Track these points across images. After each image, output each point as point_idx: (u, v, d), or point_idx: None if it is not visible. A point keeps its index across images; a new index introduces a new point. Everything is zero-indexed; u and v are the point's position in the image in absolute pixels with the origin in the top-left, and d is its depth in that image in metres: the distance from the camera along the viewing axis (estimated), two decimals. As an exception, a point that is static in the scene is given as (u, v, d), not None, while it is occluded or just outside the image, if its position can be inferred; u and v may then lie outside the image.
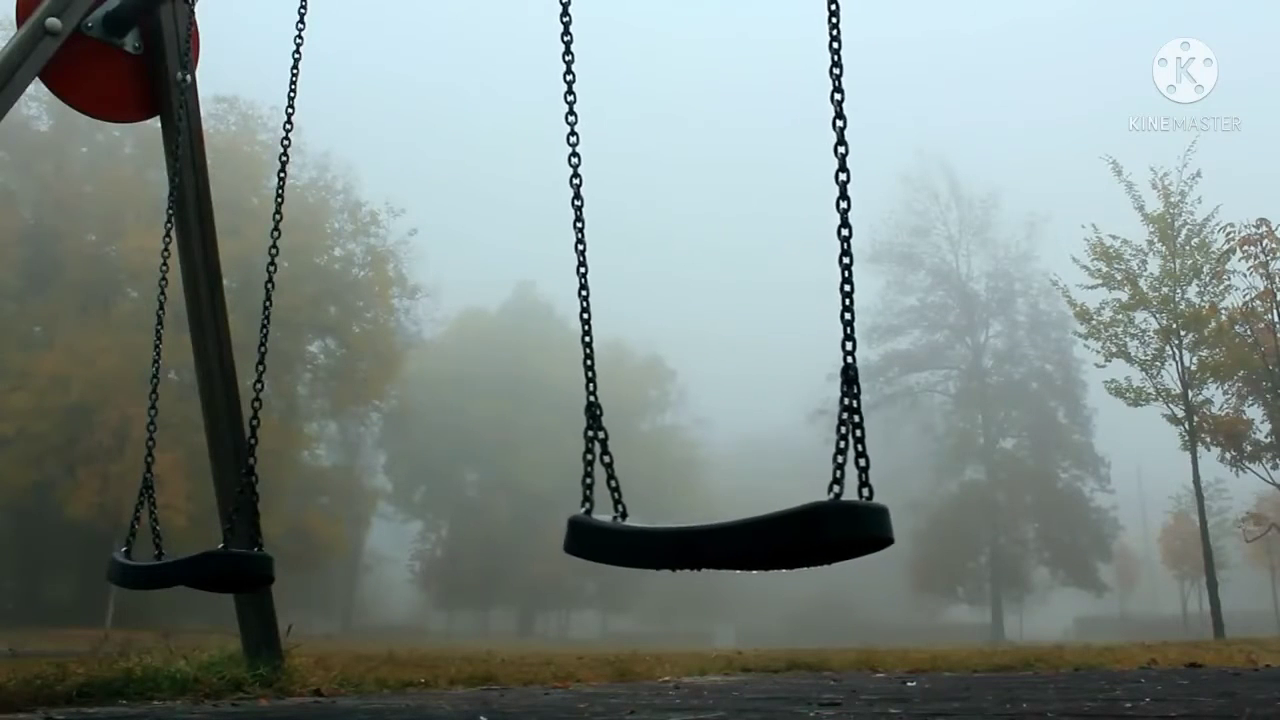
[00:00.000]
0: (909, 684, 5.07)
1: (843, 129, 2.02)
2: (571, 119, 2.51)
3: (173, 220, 4.22)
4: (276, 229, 3.71)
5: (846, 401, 1.92)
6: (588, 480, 2.25)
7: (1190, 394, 21.46)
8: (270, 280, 3.65)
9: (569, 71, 2.53)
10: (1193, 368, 21.68)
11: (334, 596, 46.86)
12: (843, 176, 1.99)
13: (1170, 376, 21.77)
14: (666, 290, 70.74)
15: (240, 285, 23.93)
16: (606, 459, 2.27)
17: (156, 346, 4.00)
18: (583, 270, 2.48)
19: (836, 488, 1.83)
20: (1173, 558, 52.90)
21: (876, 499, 1.85)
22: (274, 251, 3.67)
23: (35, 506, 30.45)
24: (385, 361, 39.15)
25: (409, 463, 53.14)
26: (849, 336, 1.94)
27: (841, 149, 2.01)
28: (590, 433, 2.28)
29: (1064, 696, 3.80)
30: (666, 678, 5.98)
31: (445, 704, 3.82)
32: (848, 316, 1.95)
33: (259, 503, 3.59)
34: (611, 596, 53.81)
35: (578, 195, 2.49)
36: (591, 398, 2.34)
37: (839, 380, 1.99)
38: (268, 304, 3.68)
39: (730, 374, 65.83)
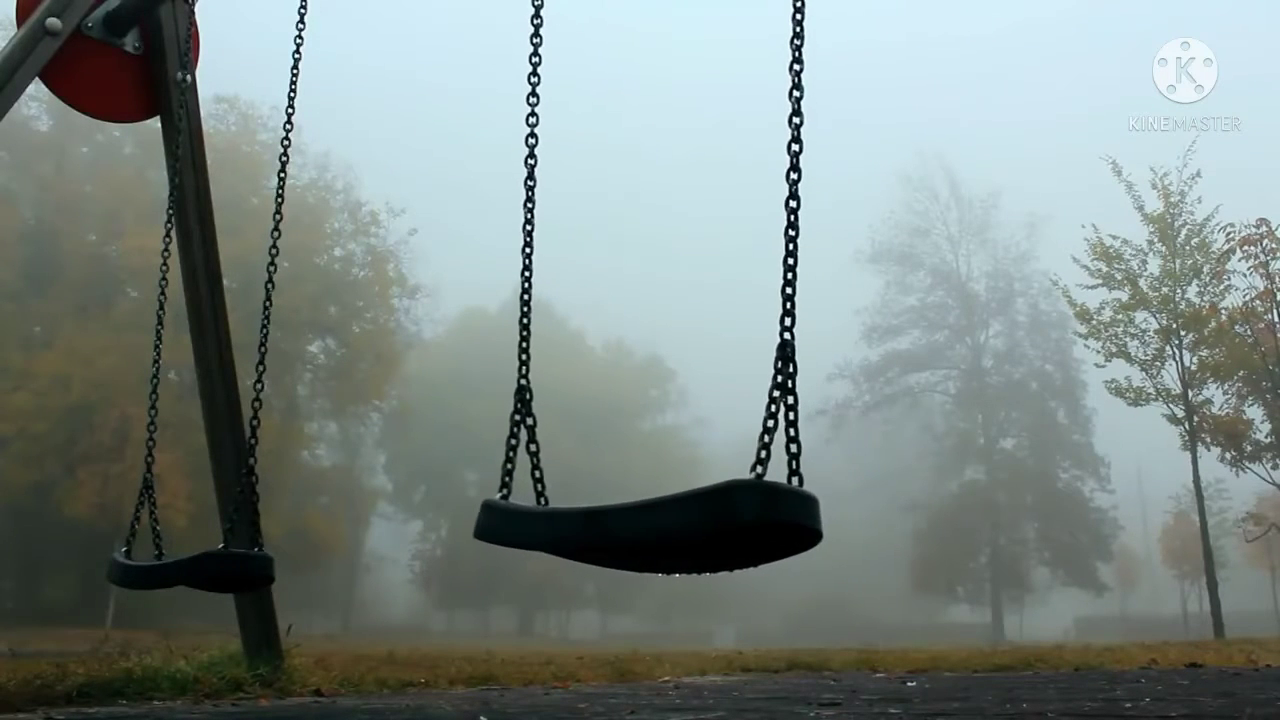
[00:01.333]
0: (909, 684, 5.07)
1: (799, 125, 1.98)
2: (533, 100, 2.50)
3: (173, 220, 4.23)
4: (276, 229, 3.71)
5: (779, 379, 1.79)
6: (508, 465, 2.18)
7: (1190, 394, 21.45)
8: (270, 280, 3.66)
9: (535, 53, 2.52)
10: (1193, 368, 21.67)
11: (334, 596, 46.84)
12: (794, 176, 1.95)
13: (1170, 376, 21.78)
14: (667, 290, 70.78)
15: (240, 285, 23.89)
16: (533, 447, 2.22)
17: (156, 346, 4.01)
18: (528, 251, 2.47)
19: (759, 468, 1.72)
20: (1173, 558, 52.88)
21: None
22: (274, 251, 3.68)
23: (35, 506, 30.44)
24: (385, 361, 39.15)
25: (409, 463, 53.13)
26: (788, 312, 1.85)
27: (796, 146, 1.97)
28: (517, 417, 2.23)
29: (1064, 696, 3.80)
30: (666, 678, 5.98)
31: (445, 704, 3.82)
32: (789, 291, 1.86)
33: (259, 503, 3.60)
34: (611, 596, 53.81)
35: (531, 175, 2.47)
36: (523, 380, 2.28)
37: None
38: (268, 304, 3.69)
39: (730, 374, 65.79)
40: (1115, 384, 22.42)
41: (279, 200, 3.79)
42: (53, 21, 3.95)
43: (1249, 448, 21.76)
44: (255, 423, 3.57)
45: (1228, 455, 21.85)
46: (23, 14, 4.05)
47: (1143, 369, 21.91)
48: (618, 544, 1.87)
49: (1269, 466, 21.93)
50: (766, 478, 1.71)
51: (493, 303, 58.41)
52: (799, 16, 2.05)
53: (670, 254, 76.66)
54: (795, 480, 1.73)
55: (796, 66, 2.01)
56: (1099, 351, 22.44)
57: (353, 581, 49.40)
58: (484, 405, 51.56)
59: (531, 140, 2.48)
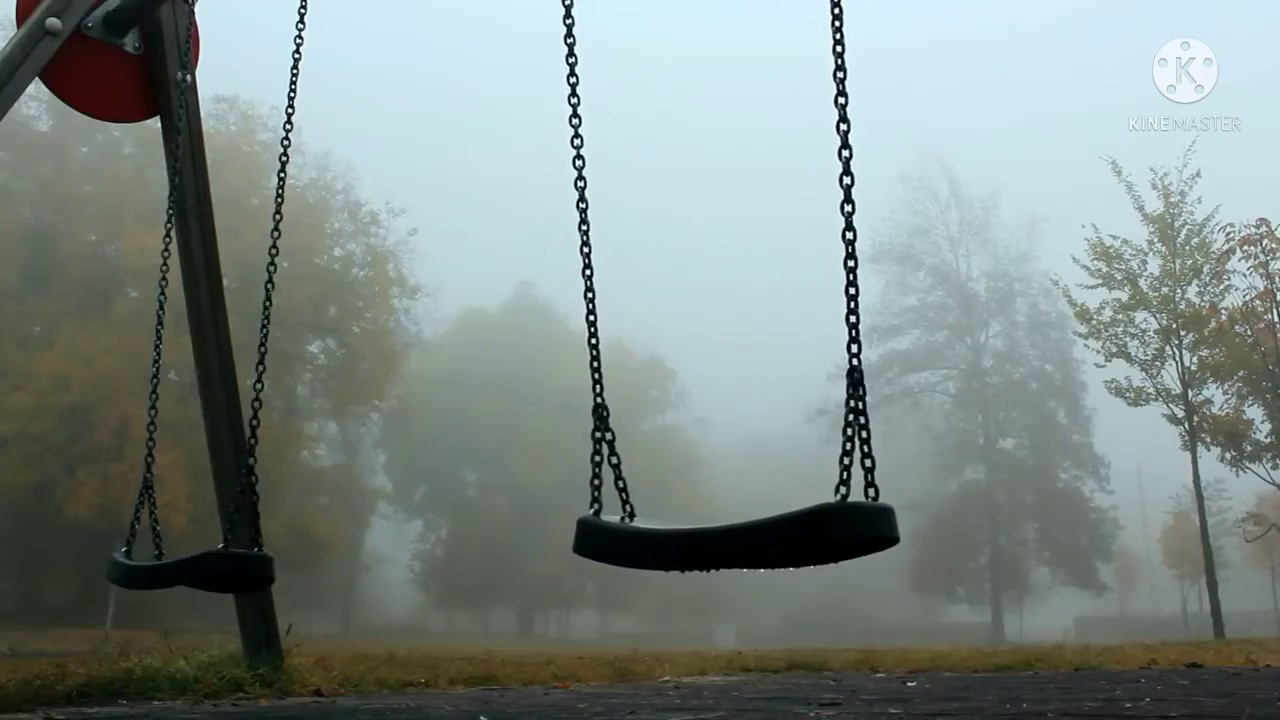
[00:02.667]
0: (909, 684, 5.07)
1: (846, 132, 2.02)
2: (575, 121, 2.51)
3: (173, 220, 4.22)
4: (276, 229, 3.71)
5: (853, 404, 1.92)
6: (596, 481, 2.25)
7: (1190, 394, 21.45)
8: (270, 280, 3.66)
9: (572, 74, 2.52)
10: (1193, 368, 21.67)
11: (334, 596, 46.82)
12: (847, 180, 2.00)
13: (1170, 376, 21.78)
14: (667, 291, 70.76)
15: (240, 285, 23.89)
16: (614, 460, 2.27)
17: (156, 346, 4.01)
18: (588, 272, 2.48)
19: (843, 489, 1.85)
20: (1173, 558, 52.87)
21: (879, 499, 1.86)
22: (274, 251, 3.68)
23: (35, 506, 30.44)
24: (385, 361, 39.15)
25: (409, 463, 53.11)
26: (854, 339, 1.96)
27: (846, 153, 2.01)
28: (598, 434, 2.29)
29: (1064, 696, 3.80)
30: (666, 678, 5.98)
31: (445, 704, 3.82)
32: (853, 319, 1.97)
33: (259, 503, 3.60)
34: (611, 596, 53.80)
35: (582, 198, 2.49)
36: (599, 399, 2.34)
37: (841, 381, 1.99)
38: (268, 304, 3.68)
39: (730, 374, 65.87)
40: (1115, 384, 22.43)
41: (279, 200, 3.79)
42: (53, 21, 3.95)
43: (1249, 448, 21.75)
44: (255, 423, 3.57)
45: (1228, 455, 21.85)
46: (23, 14, 4.05)
47: (1143, 369, 21.92)
48: (715, 564, 2.00)
49: (1269, 466, 21.94)
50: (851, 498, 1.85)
51: (493, 303, 58.51)
52: (838, 24, 2.07)
53: (670, 254, 76.73)
54: (872, 492, 1.87)
55: (840, 74, 2.06)
56: (1099, 351, 22.46)
57: (353, 581, 49.38)
58: (484, 405, 51.64)
59: (579, 161, 2.49)
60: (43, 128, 31.82)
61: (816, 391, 44.47)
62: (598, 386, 2.37)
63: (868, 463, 1.89)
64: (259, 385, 3.59)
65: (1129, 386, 22.13)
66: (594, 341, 2.46)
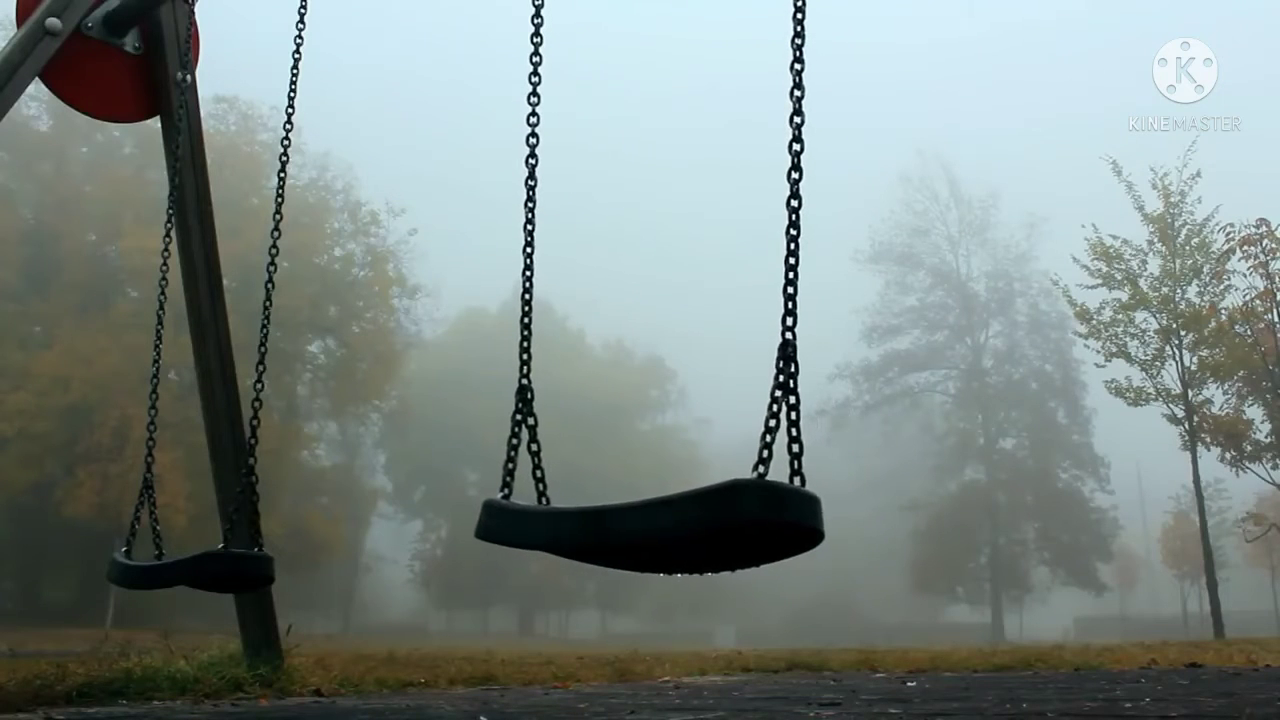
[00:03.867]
0: (909, 684, 5.07)
1: (800, 124, 1.98)
2: (534, 100, 2.49)
3: (173, 220, 4.23)
4: (276, 229, 3.71)
5: (780, 379, 1.79)
6: (510, 465, 2.17)
7: (1190, 394, 21.44)
8: (270, 280, 3.66)
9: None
10: (1193, 368, 21.67)
11: (334, 596, 46.85)
12: (795, 175, 1.95)
13: (1170, 376, 21.77)
14: (667, 291, 70.77)
15: (240, 285, 23.90)
16: (534, 446, 2.22)
17: (156, 346, 4.01)
18: (529, 251, 2.47)
19: (761, 467, 1.72)
20: (1173, 558, 52.88)
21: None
22: (274, 251, 3.68)
23: (35, 506, 30.45)
24: (385, 361, 39.15)
25: (409, 463, 53.12)
26: (790, 312, 1.85)
27: (797, 146, 1.96)
28: (518, 416, 2.23)
29: (1064, 696, 3.80)
30: (666, 678, 5.98)
31: (445, 704, 3.82)
32: (790, 291, 1.86)
33: (259, 503, 3.60)
34: (611, 596, 53.82)
35: (532, 175, 2.47)
36: (524, 380, 2.28)
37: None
38: (268, 304, 3.69)
39: (730, 374, 65.80)
40: (1115, 384, 22.42)
41: (279, 200, 3.79)
42: (53, 21, 3.95)
43: (1249, 448, 21.75)
44: (255, 423, 3.57)
45: (1228, 455, 21.85)
46: (23, 14, 4.05)
47: (1143, 369, 21.91)
48: (618, 543, 1.86)
49: (1269, 466, 21.93)
50: (768, 477, 1.71)
51: (493, 303, 58.45)
52: (799, 16, 2.05)
53: (670, 254, 76.70)
54: (797, 480, 1.73)
55: (798, 65, 2.01)
56: (1099, 351, 22.45)
57: (353, 581, 49.39)
58: (484, 405, 51.54)
59: (532, 140, 2.49)
60: (43, 128, 31.83)
61: (816, 391, 44.53)
62: (525, 368, 2.30)
63: (795, 447, 1.77)
64: (259, 385, 3.59)
65: (1129, 386, 22.13)
66: (526, 321, 2.42)
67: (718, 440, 60.60)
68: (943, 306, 49.87)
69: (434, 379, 48.84)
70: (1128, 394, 22.12)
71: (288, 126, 3.84)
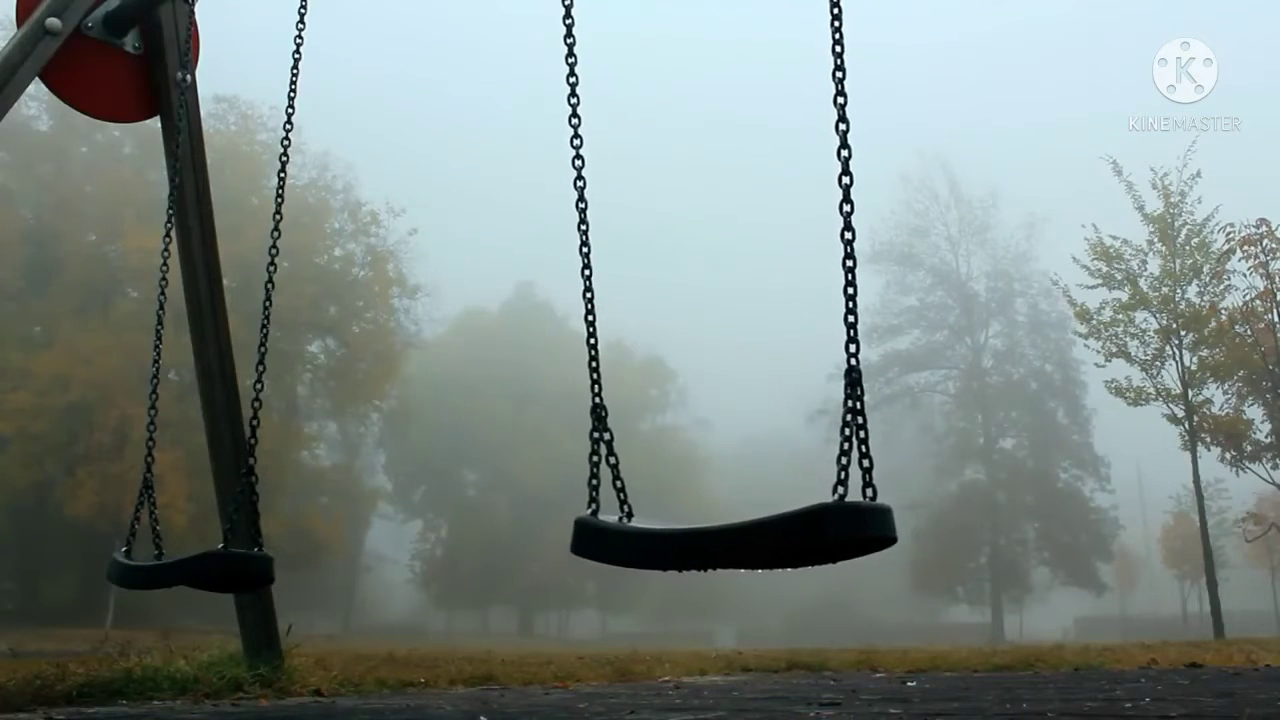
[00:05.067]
0: (909, 684, 5.07)
1: (845, 132, 2.02)
2: (575, 121, 2.51)
3: (173, 220, 4.22)
4: (276, 229, 3.71)
5: (851, 404, 1.93)
6: (593, 481, 2.26)
7: (1190, 394, 21.44)
8: (270, 280, 3.66)
9: (572, 74, 2.52)
10: (1193, 368, 21.67)
11: (334, 596, 46.85)
12: (846, 180, 2.00)
13: (1170, 376, 21.77)
14: (667, 292, 70.73)
15: (240, 285, 23.90)
16: (612, 460, 2.27)
17: (156, 346, 4.01)
18: (587, 273, 2.48)
19: (841, 489, 1.85)
20: (1173, 558, 52.88)
21: (877, 499, 1.86)
22: (274, 251, 3.68)
23: (35, 506, 30.45)
24: (385, 361, 39.14)
25: (409, 463, 53.10)
26: (853, 339, 1.97)
27: (845, 152, 2.01)
28: (596, 434, 2.29)
29: (1064, 696, 3.80)
30: (666, 678, 5.98)
31: (445, 704, 3.82)
32: (851, 319, 1.97)
33: (259, 502, 3.60)
34: (611, 596, 53.79)
35: (582, 197, 2.49)
36: (597, 399, 2.35)
37: (840, 381, 2.00)
38: (268, 304, 3.69)
39: (730, 374, 65.85)
40: (1115, 384, 22.42)
41: (279, 200, 3.79)
42: (53, 21, 3.95)
43: (1249, 448, 21.75)
44: (255, 423, 3.57)
45: (1228, 455, 21.85)
46: (23, 14, 4.05)
47: (1143, 369, 21.91)
48: (711, 564, 2.01)
49: (1269, 466, 21.94)
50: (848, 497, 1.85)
51: (493, 303, 58.49)
52: (837, 24, 2.07)
53: (670, 254, 76.72)
54: (870, 493, 1.87)
55: (839, 74, 2.07)
56: (1099, 351, 22.46)
57: (353, 581, 49.39)
58: (484, 405, 51.64)
59: (579, 161, 2.50)
60: (43, 128, 31.81)
61: (816, 391, 44.49)
62: (596, 386, 2.38)
63: (865, 463, 1.89)
64: (259, 385, 3.59)
65: (1129, 386, 22.13)
66: (593, 341, 2.46)
67: (717, 440, 60.67)
68: (943, 306, 49.86)
69: (434, 379, 48.82)
70: (1128, 394, 22.13)
71: (288, 126, 3.84)
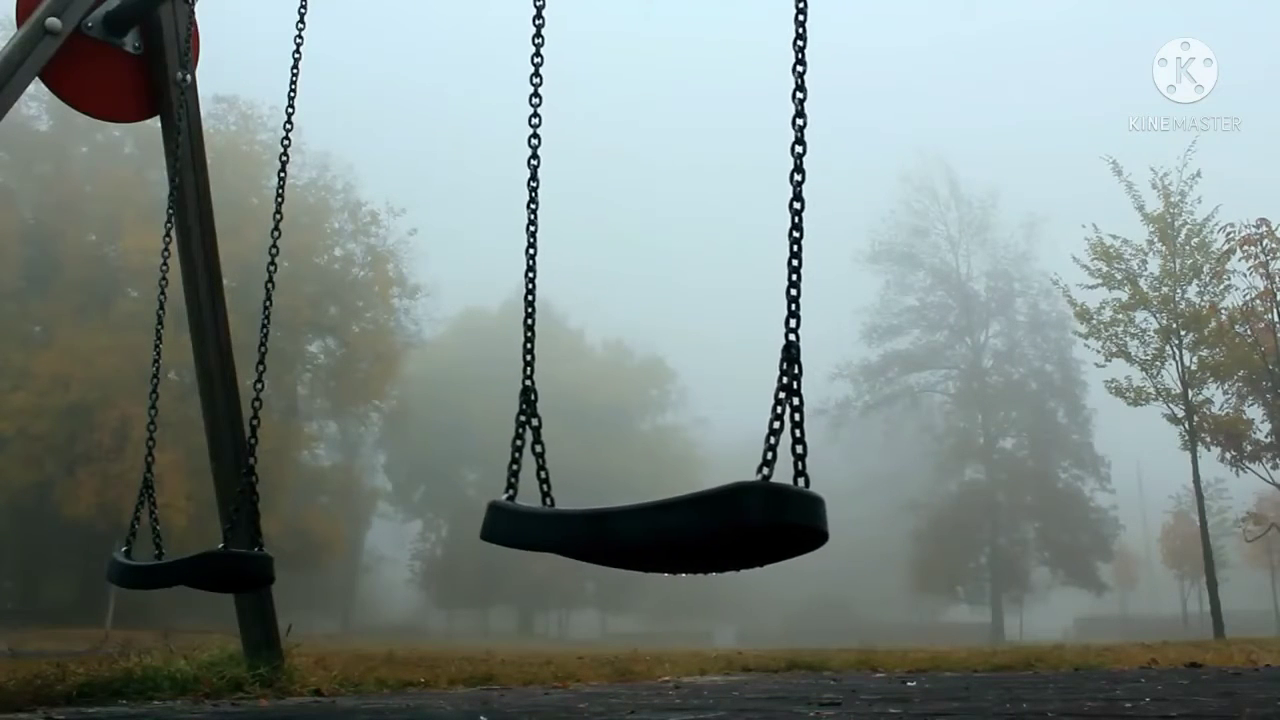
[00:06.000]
0: (909, 684, 5.07)
1: (802, 127, 1.98)
2: (536, 100, 2.50)
3: (173, 220, 4.23)
4: (276, 229, 3.71)
5: (785, 380, 1.80)
6: (514, 467, 2.19)
7: (1190, 394, 21.44)
8: (270, 280, 3.66)
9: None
10: (1193, 367, 21.67)
11: (334, 596, 46.84)
12: (798, 177, 1.95)
13: (1170, 376, 21.77)
14: (667, 292, 70.71)
15: (240, 285, 23.89)
16: (538, 448, 2.22)
17: (156, 346, 4.01)
18: (532, 253, 2.47)
19: (765, 469, 1.72)
20: (1173, 558, 52.88)
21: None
22: (274, 251, 3.68)
23: (35, 506, 30.44)
24: (385, 361, 39.15)
25: (409, 463, 53.11)
26: (793, 314, 1.86)
27: (800, 148, 1.97)
28: (522, 418, 2.24)
29: (1064, 696, 3.80)
30: (666, 678, 5.98)
31: (445, 704, 3.82)
32: (794, 293, 1.87)
33: (259, 502, 3.60)
34: (611, 596, 53.79)
35: (534, 176, 2.47)
36: (527, 381, 2.30)
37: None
38: (268, 304, 3.69)
39: (730, 374, 65.79)
40: (1115, 384, 22.42)
41: (279, 200, 3.79)
42: (53, 21, 3.95)
43: (1249, 448, 21.75)
44: (255, 423, 3.57)
45: (1228, 455, 21.85)
46: (23, 14, 4.05)
47: (1143, 369, 21.92)
48: (623, 546, 1.87)
49: (1269, 466, 21.94)
50: (772, 479, 1.71)
51: (493, 303, 58.41)
52: (801, 18, 2.05)
53: (670, 254, 76.67)
54: (801, 481, 1.74)
55: (800, 68, 2.02)
56: (1099, 351, 22.46)
57: (353, 581, 49.38)
58: (484, 405, 51.56)
59: (534, 141, 2.49)
60: (43, 128, 31.82)
61: (816, 391, 44.50)
62: (529, 369, 2.33)
63: (799, 449, 1.77)
64: (259, 385, 3.59)
65: (1129, 386, 22.13)
66: (530, 323, 2.44)
67: (717, 440, 60.60)
68: (943, 306, 49.88)
69: (434, 379, 48.84)
70: (1128, 394, 22.13)
71: (288, 126, 3.84)
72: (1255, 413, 21.94)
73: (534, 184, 2.49)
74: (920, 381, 49.76)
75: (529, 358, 2.36)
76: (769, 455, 1.73)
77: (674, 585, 46.21)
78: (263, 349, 3.66)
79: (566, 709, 3.52)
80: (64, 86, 4.30)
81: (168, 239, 4.12)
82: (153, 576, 3.56)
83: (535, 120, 2.49)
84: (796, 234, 1.92)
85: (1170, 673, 5.76)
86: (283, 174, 3.90)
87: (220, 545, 3.64)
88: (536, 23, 2.56)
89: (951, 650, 10.40)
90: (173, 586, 3.50)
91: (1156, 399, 21.84)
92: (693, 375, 59.55)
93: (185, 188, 4.47)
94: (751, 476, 1.71)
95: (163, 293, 4.07)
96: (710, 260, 76.44)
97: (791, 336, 1.84)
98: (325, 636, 23.55)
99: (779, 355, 1.82)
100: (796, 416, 1.78)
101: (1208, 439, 21.67)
